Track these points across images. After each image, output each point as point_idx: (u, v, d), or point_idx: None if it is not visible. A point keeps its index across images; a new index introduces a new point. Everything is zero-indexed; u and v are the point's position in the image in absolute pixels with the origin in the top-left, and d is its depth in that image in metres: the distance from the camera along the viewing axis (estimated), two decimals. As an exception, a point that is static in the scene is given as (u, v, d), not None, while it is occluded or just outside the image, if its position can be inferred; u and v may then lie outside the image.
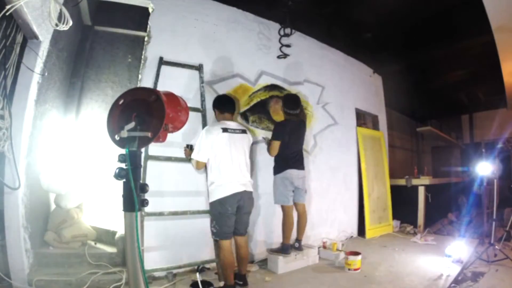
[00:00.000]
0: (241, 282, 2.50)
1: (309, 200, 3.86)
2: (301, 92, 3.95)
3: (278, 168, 3.05)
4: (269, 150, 3.05)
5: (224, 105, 2.62)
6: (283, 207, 3.04)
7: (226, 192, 2.37)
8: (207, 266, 2.87)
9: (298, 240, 3.15)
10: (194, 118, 2.92)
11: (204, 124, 2.94)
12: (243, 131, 2.60)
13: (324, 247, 3.51)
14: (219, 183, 2.40)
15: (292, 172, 3.00)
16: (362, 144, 4.69)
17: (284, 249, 3.00)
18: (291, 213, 3.05)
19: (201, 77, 3.05)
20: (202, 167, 2.50)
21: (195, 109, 2.93)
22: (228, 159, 2.42)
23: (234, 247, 2.52)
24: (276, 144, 2.96)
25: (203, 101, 3.01)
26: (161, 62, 2.86)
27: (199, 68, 3.06)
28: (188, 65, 3.01)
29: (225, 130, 2.45)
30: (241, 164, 2.49)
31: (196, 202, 2.88)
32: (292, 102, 3.11)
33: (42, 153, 2.63)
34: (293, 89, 3.87)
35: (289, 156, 3.02)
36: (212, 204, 2.43)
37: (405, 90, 5.77)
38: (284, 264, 2.94)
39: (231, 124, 2.54)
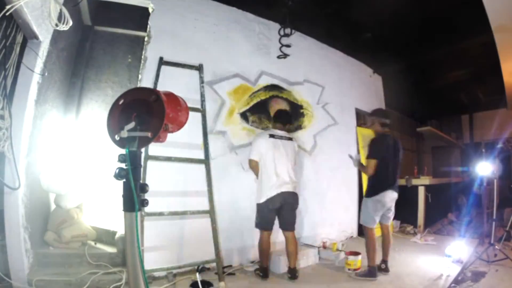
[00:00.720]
0: (289, 275, 2.75)
1: (309, 200, 3.86)
2: (301, 92, 3.95)
3: (373, 190, 2.84)
4: (363, 169, 2.97)
5: (275, 118, 3.04)
6: (365, 229, 2.87)
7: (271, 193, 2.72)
8: (207, 266, 2.87)
9: (384, 261, 2.91)
10: (193, 118, 2.92)
11: (205, 124, 2.95)
12: (289, 139, 2.95)
13: (324, 247, 3.51)
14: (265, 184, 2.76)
15: (387, 195, 2.80)
16: (362, 144, 4.69)
17: (371, 272, 2.75)
18: (374, 235, 2.83)
19: (201, 77, 3.05)
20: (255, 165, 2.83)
21: (195, 109, 2.93)
22: (271, 161, 2.76)
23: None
24: (373, 163, 2.79)
25: (203, 101, 3.01)
26: (161, 62, 2.87)
27: (199, 68, 3.06)
28: (188, 65, 3.02)
29: (271, 136, 2.84)
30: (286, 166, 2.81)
31: (194, 202, 2.87)
32: (382, 113, 3.13)
33: (42, 153, 2.63)
34: (293, 89, 3.87)
35: (386, 176, 2.81)
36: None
37: (405, 90, 5.77)
38: (285, 264, 2.95)
39: (279, 132, 2.91)
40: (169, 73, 2.90)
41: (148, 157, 2.64)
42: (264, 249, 2.76)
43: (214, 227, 2.78)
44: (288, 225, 2.80)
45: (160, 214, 2.65)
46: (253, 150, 2.83)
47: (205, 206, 2.82)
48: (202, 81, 3.06)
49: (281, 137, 2.88)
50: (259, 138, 2.85)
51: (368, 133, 4.96)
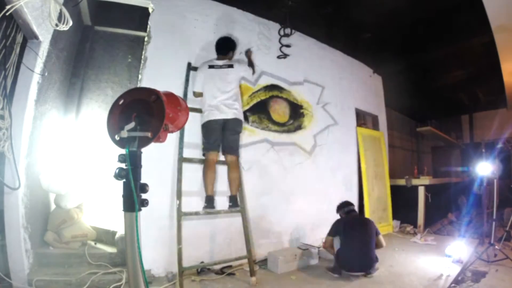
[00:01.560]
0: (231, 203, 2.86)
1: (309, 200, 3.86)
2: (301, 92, 3.95)
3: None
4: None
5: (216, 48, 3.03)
6: None
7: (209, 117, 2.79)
8: (208, 266, 2.87)
9: None
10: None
11: None
12: (230, 66, 2.91)
13: (324, 247, 3.50)
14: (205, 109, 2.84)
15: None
16: (362, 144, 4.70)
17: None
18: None
19: None
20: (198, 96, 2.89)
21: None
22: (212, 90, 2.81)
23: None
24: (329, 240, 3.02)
25: None
26: (190, 67, 3.03)
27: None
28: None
29: (211, 66, 2.85)
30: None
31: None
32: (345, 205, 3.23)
33: (42, 153, 2.63)
34: (293, 89, 3.87)
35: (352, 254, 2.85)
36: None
37: (405, 90, 5.77)
38: (284, 264, 2.95)
39: (218, 62, 2.91)
40: (169, 73, 2.90)
41: (183, 159, 2.80)
42: (208, 173, 2.81)
43: (246, 225, 2.89)
44: (229, 149, 2.88)
45: (197, 213, 2.76)
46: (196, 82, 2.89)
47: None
48: None
49: (220, 67, 2.89)
50: (199, 70, 2.91)
51: (368, 133, 4.97)
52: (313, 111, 4.08)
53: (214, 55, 3.12)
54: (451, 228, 5.08)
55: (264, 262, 3.17)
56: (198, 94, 2.90)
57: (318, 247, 3.47)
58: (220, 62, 2.91)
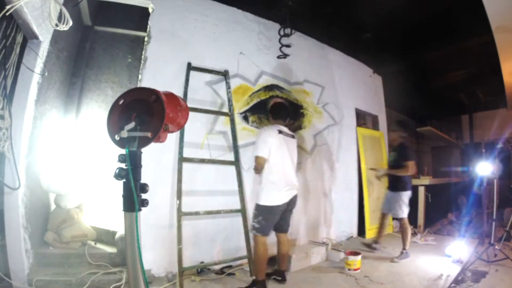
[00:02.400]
0: (279, 278, 2.67)
1: (309, 200, 3.87)
2: (301, 92, 3.95)
3: (409, 185, 3.47)
4: (404, 170, 3.37)
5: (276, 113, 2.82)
6: (403, 220, 3.44)
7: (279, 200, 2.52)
8: (208, 267, 2.87)
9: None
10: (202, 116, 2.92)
11: (233, 127, 3.14)
12: (293, 136, 2.77)
13: (324, 247, 3.51)
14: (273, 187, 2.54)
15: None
16: (362, 144, 4.70)
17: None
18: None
19: (227, 83, 3.19)
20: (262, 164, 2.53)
21: (224, 113, 3.14)
22: (280, 160, 2.56)
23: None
24: (413, 164, 3.37)
25: (230, 106, 3.15)
26: (190, 67, 3.00)
27: (225, 74, 3.18)
28: (215, 71, 3.15)
29: (280, 132, 2.61)
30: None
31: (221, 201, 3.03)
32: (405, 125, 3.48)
33: (42, 153, 2.63)
34: (293, 89, 3.87)
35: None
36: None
37: (405, 90, 5.77)
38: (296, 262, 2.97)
39: (284, 128, 2.70)
40: (169, 73, 2.90)
41: (183, 159, 2.79)
42: (265, 256, 2.50)
43: (246, 225, 2.91)
44: (287, 227, 2.71)
45: (197, 213, 2.77)
46: (261, 146, 2.50)
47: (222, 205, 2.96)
48: (228, 87, 3.19)
49: (287, 134, 2.68)
50: (268, 133, 2.56)
51: (368, 133, 4.97)
52: (313, 111, 4.08)
53: (214, 54, 3.12)
54: (451, 228, 5.08)
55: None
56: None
57: (326, 244, 3.52)
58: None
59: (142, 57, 2.85)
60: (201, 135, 3.04)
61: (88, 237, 2.93)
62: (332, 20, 3.79)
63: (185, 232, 2.83)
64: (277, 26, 3.46)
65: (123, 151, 1.23)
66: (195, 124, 2.97)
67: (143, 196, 1.28)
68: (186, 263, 2.60)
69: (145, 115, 1.26)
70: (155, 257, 2.65)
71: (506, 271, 2.89)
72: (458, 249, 3.16)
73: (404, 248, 3.39)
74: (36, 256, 2.45)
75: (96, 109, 3.44)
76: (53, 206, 2.96)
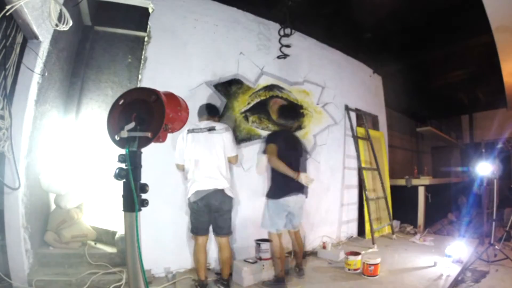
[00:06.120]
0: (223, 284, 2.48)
1: (309, 200, 3.85)
2: (301, 92, 3.95)
3: (275, 192, 2.69)
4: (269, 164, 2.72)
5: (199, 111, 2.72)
6: (268, 234, 2.72)
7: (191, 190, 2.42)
8: (208, 267, 2.87)
9: (298, 264, 2.91)
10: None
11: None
12: (210, 129, 2.53)
13: (324, 247, 3.51)
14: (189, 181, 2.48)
15: (290, 199, 2.66)
16: (362, 144, 4.69)
17: (278, 282, 2.59)
18: (277, 242, 2.64)
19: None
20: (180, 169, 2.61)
21: None
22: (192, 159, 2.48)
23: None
24: (272, 147, 2.67)
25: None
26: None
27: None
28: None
29: (190, 131, 2.52)
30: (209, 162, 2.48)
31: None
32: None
33: (42, 153, 2.63)
34: (293, 89, 3.87)
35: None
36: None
37: (405, 90, 5.77)
38: (251, 277, 2.65)
39: (200, 124, 2.58)
40: (169, 73, 2.90)
41: None
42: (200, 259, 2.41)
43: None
44: (221, 230, 2.49)
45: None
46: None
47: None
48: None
49: (201, 130, 2.53)
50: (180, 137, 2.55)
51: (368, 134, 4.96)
52: (313, 111, 4.08)
53: (214, 55, 3.13)
54: (451, 228, 5.08)
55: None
56: None
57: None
58: None
59: (142, 57, 2.85)
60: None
61: (88, 237, 2.93)
62: (332, 20, 3.79)
63: (185, 231, 2.83)
64: (277, 26, 3.46)
65: (123, 151, 1.23)
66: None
67: (143, 196, 1.28)
68: (186, 263, 2.61)
69: (145, 115, 1.26)
70: (155, 257, 2.64)
71: (506, 271, 2.89)
72: (458, 249, 3.16)
73: (274, 274, 2.65)
74: (36, 256, 2.46)
75: (96, 109, 3.44)
76: (53, 206, 2.96)
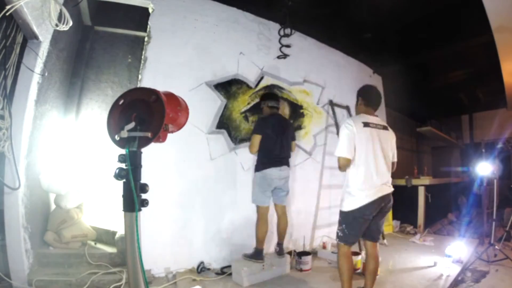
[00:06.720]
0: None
1: (310, 200, 3.87)
2: (301, 92, 3.95)
3: (260, 165, 2.86)
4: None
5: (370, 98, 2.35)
6: (256, 207, 2.88)
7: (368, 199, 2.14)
8: (208, 266, 2.87)
9: (279, 243, 2.96)
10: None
11: None
12: (385, 128, 2.31)
13: (324, 247, 3.51)
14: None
15: (273, 172, 2.82)
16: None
17: (257, 254, 2.75)
18: (265, 215, 2.84)
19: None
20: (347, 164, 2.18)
21: None
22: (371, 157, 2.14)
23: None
24: (256, 138, 2.88)
25: None
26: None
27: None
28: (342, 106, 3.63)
29: (366, 124, 2.14)
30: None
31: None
32: (271, 96, 3.13)
33: (42, 153, 2.63)
34: (293, 89, 3.87)
35: (272, 151, 2.85)
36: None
37: (405, 90, 5.77)
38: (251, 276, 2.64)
39: (373, 119, 2.23)
40: (169, 73, 2.91)
41: None
42: (350, 269, 2.14)
43: None
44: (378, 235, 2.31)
45: None
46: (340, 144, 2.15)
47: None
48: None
49: (376, 126, 2.22)
50: (351, 128, 2.12)
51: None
52: (313, 111, 4.08)
53: (214, 55, 3.11)
54: (451, 228, 5.08)
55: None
56: None
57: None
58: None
59: (142, 57, 2.85)
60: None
61: (88, 237, 2.93)
62: (332, 20, 3.79)
63: (185, 231, 2.83)
64: (277, 26, 3.46)
65: (123, 151, 1.23)
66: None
67: (143, 196, 1.28)
68: (187, 263, 2.60)
69: (145, 115, 1.26)
70: (155, 257, 2.64)
71: (506, 271, 2.89)
72: (458, 249, 3.16)
73: (255, 246, 2.80)
74: (36, 256, 2.46)
75: (96, 109, 3.44)
76: (53, 206, 2.96)
